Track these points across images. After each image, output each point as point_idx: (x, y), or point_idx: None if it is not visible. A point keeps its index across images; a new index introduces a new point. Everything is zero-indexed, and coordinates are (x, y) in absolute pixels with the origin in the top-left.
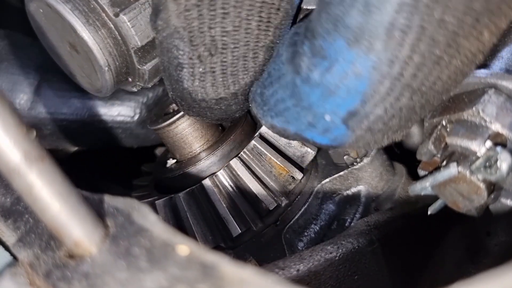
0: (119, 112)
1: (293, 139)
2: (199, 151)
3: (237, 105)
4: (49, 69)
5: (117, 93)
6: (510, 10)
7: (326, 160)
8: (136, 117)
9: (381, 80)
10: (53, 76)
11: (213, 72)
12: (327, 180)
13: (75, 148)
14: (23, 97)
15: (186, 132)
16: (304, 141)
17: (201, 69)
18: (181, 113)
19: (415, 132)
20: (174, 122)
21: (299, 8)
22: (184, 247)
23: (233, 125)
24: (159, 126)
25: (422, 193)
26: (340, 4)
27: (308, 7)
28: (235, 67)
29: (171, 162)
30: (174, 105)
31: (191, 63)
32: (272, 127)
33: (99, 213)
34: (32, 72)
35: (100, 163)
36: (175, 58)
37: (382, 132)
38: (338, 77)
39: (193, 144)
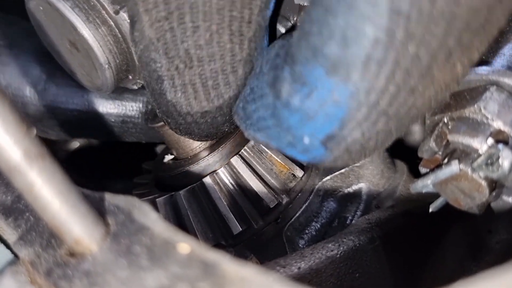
0: (131, 106)
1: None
2: (199, 150)
3: (223, 117)
4: None
5: (128, 88)
6: (482, 44)
7: None
8: (147, 112)
9: (358, 107)
10: None
11: (194, 84)
12: (328, 177)
13: (76, 146)
14: (33, 86)
15: None
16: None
17: (181, 81)
18: None
19: (416, 130)
20: None
21: (275, 16)
22: (185, 245)
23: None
24: (158, 125)
25: (424, 191)
26: (318, 35)
27: (303, 3)
28: (215, 80)
29: (168, 157)
30: None
31: (170, 74)
32: (254, 139)
33: (99, 211)
34: (43, 60)
35: (100, 160)
36: (154, 71)
37: (359, 152)
38: (317, 103)
39: (193, 142)
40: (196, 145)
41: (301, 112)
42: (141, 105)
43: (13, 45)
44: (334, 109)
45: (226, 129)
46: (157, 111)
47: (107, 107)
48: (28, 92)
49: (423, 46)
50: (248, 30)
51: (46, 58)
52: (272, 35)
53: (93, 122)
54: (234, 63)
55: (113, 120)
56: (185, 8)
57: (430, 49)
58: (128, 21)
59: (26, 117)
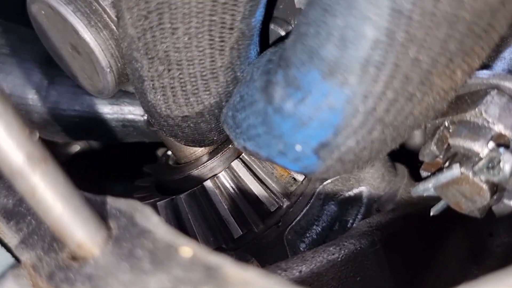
0: (129, 111)
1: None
2: (200, 154)
3: (207, 124)
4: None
5: (127, 92)
6: (483, 51)
7: None
8: (146, 116)
9: (354, 113)
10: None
11: (173, 88)
12: (329, 181)
13: (77, 149)
14: (35, 93)
15: None
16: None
17: (160, 84)
18: None
19: (417, 133)
20: None
21: (266, 27)
22: (187, 248)
23: None
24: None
25: (425, 194)
26: (315, 37)
27: (304, 7)
28: (195, 85)
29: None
30: None
31: (150, 76)
32: (244, 149)
33: (101, 215)
34: (44, 67)
35: (101, 163)
36: (136, 70)
37: (353, 163)
38: (311, 109)
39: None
40: (197, 150)
41: (294, 117)
42: (140, 110)
43: (15, 53)
44: (329, 115)
45: (215, 138)
46: (143, 109)
47: (108, 111)
48: (31, 100)
49: (424, 50)
50: (229, 36)
51: (46, 64)
52: (266, 42)
53: (95, 126)
54: (214, 69)
55: (114, 124)
56: (164, 8)
57: (431, 53)
58: None
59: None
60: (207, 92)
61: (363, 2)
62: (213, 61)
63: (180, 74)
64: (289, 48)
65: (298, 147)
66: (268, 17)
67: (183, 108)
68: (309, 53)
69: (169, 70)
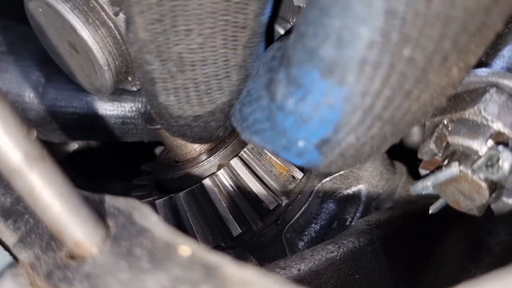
0: (130, 108)
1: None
2: (198, 152)
3: (217, 122)
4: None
5: (125, 90)
6: (478, 48)
7: None
8: (145, 114)
9: (353, 111)
10: (61, 69)
11: (186, 88)
12: (328, 179)
13: (75, 147)
14: (32, 91)
15: None
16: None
17: (173, 85)
18: None
19: (416, 131)
20: None
21: (271, 25)
22: (186, 247)
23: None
24: (157, 126)
25: (424, 193)
26: (314, 37)
27: (302, 5)
28: (208, 85)
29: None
30: None
31: (163, 77)
32: (250, 142)
33: (100, 214)
34: (41, 65)
35: (99, 162)
36: (148, 72)
37: (354, 157)
38: (311, 106)
39: (192, 145)
40: (195, 148)
41: (295, 115)
42: (140, 106)
43: (11, 51)
44: (329, 112)
45: (220, 134)
46: (151, 111)
47: (106, 108)
48: (28, 97)
49: (419, 49)
50: (242, 35)
51: (43, 62)
52: (270, 39)
53: (94, 124)
54: (228, 68)
55: (113, 121)
56: (178, 11)
57: (425, 52)
58: None
59: (27, 121)
60: (220, 91)
61: (358, 4)
62: (226, 60)
63: (194, 74)
64: (290, 47)
65: (301, 143)
66: (273, 14)
67: (195, 108)
68: (309, 52)
69: (182, 72)
